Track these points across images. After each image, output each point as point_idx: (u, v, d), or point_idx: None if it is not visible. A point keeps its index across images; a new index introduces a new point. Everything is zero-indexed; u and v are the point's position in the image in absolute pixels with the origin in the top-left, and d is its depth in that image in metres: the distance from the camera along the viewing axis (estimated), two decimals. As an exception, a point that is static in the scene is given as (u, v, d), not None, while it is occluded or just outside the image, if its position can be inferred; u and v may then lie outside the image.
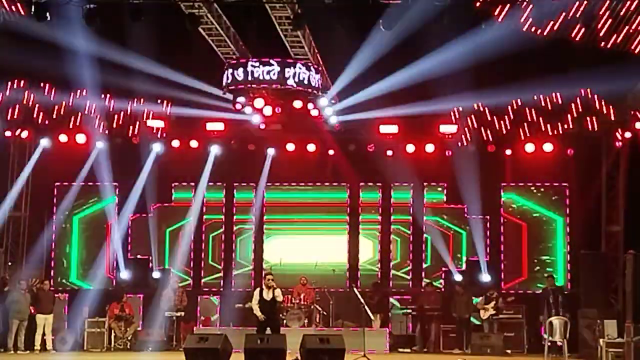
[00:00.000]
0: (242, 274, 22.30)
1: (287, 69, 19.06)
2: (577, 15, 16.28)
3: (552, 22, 16.51)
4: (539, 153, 20.91)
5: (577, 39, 16.67)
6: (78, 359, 18.77)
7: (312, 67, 19.39)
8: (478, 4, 16.27)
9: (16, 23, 16.83)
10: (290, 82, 19.15)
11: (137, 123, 20.99)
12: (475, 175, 21.03)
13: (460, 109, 20.48)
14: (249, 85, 19.41)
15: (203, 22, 17.45)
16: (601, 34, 16.56)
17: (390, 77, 19.06)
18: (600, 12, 16.25)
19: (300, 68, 19.17)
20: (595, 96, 19.90)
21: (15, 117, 20.70)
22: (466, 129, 20.67)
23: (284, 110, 20.44)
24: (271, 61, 19.06)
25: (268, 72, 19.01)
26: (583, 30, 16.51)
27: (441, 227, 22.10)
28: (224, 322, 20.82)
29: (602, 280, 19.79)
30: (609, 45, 16.70)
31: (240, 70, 19.21)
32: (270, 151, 21.73)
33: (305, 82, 19.26)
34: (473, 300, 20.55)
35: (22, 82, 20.53)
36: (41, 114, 20.74)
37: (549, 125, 20.30)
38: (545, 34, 16.78)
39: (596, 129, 20.15)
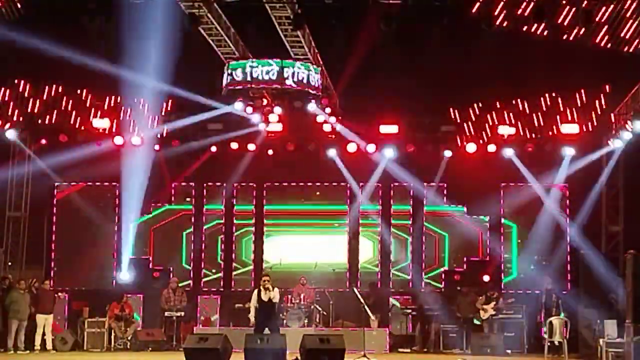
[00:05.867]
0: (242, 273, 22.32)
1: (286, 69, 19.04)
2: (577, 16, 16.30)
3: (551, 22, 16.53)
4: (538, 153, 20.90)
5: (577, 38, 16.67)
6: (78, 359, 18.78)
7: (312, 67, 19.39)
8: (477, 4, 16.29)
9: (16, 22, 16.83)
10: (290, 82, 19.11)
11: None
12: (474, 175, 21.07)
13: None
14: (249, 86, 19.39)
15: (203, 22, 17.46)
16: (600, 34, 16.57)
17: (390, 77, 19.06)
18: (600, 12, 16.26)
19: (300, 68, 19.15)
20: (595, 96, 19.93)
21: (15, 117, 20.70)
22: (466, 128, 20.71)
23: (284, 110, 20.45)
24: (270, 61, 19.04)
25: (267, 72, 18.98)
26: (583, 30, 16.53)
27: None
28: (224, 322, 20.82)
29: (602, 280, 19.77)
30: (609, 45, 16.72)
31: (240, 70, 19.19)
32: (271, 151, 21.71)
33: (305, 82, 19.24)
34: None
35: (22, 82, 20.54)
36: (41, 114, 20.73)
37: (548, 126, 20.34)
38: (544, 34, 16.79)
39: (596, 129, 20.15)
